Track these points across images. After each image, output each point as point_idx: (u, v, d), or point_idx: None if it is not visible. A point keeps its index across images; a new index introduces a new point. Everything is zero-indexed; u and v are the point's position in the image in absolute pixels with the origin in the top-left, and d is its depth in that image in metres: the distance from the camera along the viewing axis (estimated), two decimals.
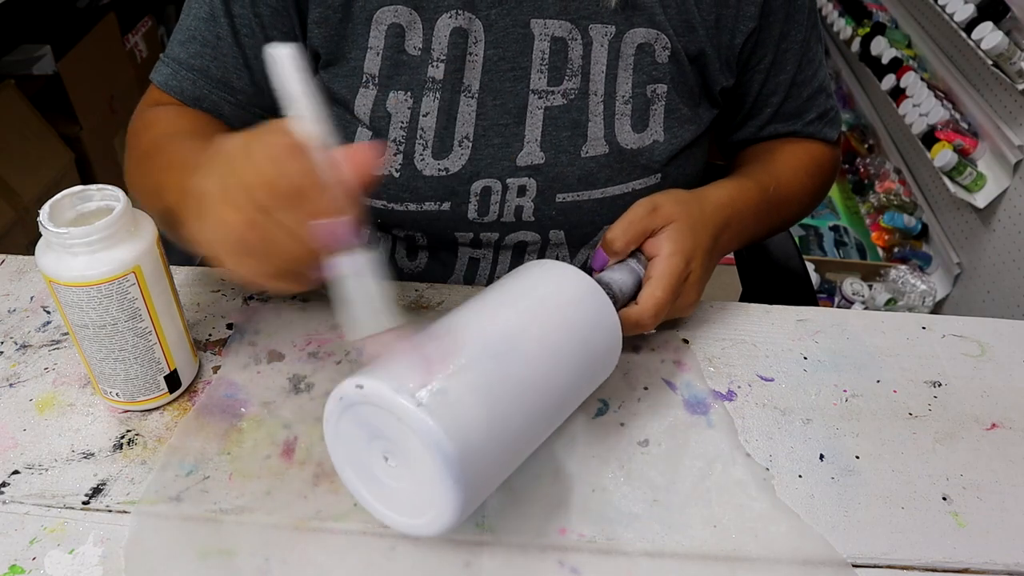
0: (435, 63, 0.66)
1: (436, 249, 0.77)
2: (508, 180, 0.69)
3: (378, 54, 0.67)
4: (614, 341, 0.55)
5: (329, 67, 0.69)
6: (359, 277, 0.43)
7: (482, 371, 0.46)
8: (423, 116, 0.67)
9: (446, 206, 0.70)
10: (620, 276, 0.60)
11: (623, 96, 0.69)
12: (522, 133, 0.68)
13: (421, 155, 0.68)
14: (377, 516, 0.49)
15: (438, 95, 0.67)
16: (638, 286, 0.61)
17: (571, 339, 0.51)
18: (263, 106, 0.72)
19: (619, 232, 0.61)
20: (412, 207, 0.70)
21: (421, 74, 0.67)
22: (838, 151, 0.83)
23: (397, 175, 0.68)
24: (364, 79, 0.67)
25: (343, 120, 0.69)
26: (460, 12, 0.66)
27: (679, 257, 0.60)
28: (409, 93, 0.67)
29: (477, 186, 0.69)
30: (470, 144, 0.68)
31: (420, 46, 0.66)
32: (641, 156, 0.70)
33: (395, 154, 0.68)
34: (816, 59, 0.76)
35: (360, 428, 0.47)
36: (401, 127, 0.67)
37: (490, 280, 0.77)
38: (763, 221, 0.73)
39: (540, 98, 0.68)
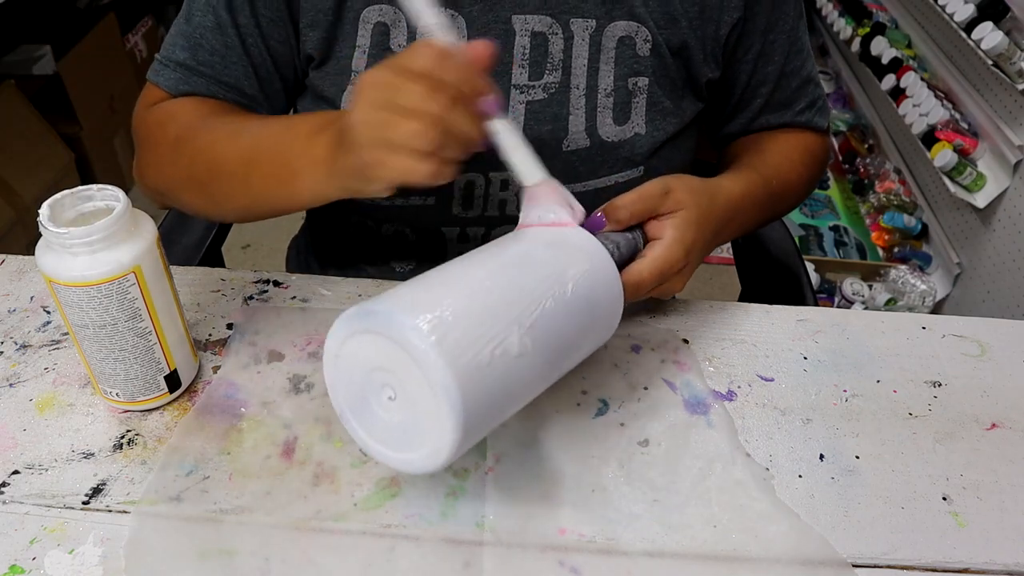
0: None
1: (425, 246, 0.77)
2: (491, 174, 0.70)
3: (365, 52, 0.68)
4: (617, 304, 0.55)
5: (320, 67, 0.69)
6: (514, 135, 0.54)
7: (493, 325, 0.46)
8: None
9: (431, 200, 0.71)
10: (622, 241, 0.60)
11: (605, 89, 0.69)
12: None
13: None
14: (368, 451, 0.50)
15: None
16: (632, 257, 0.60)
17: (580, 303, 0.51)
18: (273, 108, 0.73)
19: (627, 203, 0.59)
20: (399, 201, 0.71)
21: None
22: (828, 139, 0.84)
23: None
24: (352, 77, 0.68)
25: None
26: (443, 9, 0.66)
27: (679, 247, 0.60)
28: None
29: (461, 180, 0.70)
30: None
31: (404, 43, 0.67)
32: (623, 149, 0.70)
33: None
34: (804, 49, 0.76)
35: (362, 357, 0.47)
36: None
37: None
38: (765, 213, 0.74)
39: (521, 93, 0.69)
